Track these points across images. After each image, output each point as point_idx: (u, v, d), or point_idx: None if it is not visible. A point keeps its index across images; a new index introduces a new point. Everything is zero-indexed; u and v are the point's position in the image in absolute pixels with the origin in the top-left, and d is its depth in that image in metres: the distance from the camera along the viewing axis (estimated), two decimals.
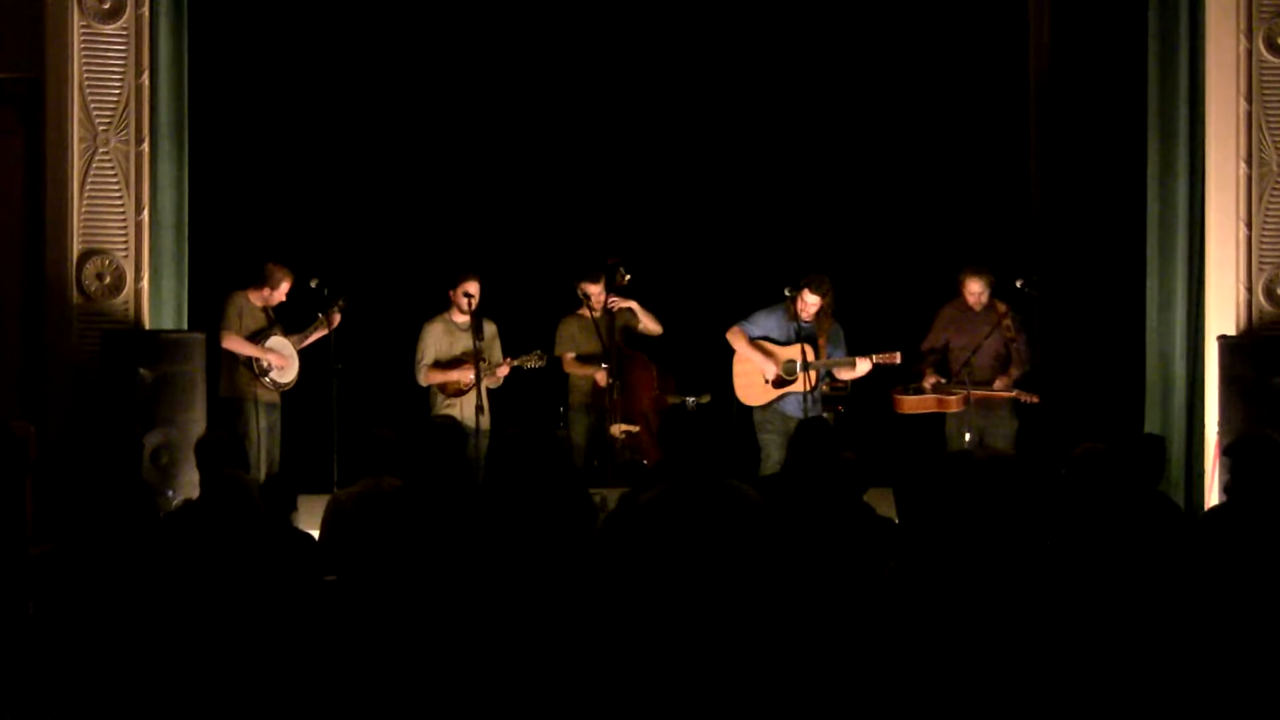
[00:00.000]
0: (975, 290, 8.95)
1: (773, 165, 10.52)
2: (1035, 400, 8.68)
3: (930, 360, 8.99)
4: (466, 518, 5.22)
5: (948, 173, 10.33)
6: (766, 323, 9.00)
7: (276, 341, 9.05)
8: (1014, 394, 8.78)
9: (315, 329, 9.15)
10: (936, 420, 9.00)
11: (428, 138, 10.37)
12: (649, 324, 9.27)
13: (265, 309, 9.12)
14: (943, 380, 8.89)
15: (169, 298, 8.68)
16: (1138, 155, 9.04)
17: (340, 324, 9.10)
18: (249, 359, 8.91)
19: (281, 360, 9.02)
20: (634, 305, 9.25)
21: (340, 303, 9.11)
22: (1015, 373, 8.88)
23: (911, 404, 8.91)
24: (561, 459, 6.20)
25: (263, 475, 8.31)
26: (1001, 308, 8.93)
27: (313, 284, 9.07)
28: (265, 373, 8.96)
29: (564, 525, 5.24)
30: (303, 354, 9.15)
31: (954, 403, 8.81)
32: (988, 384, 8.85)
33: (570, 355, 9.29)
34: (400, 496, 5.50)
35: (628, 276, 9.18)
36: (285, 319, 9.21)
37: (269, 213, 9.98)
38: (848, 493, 5.66)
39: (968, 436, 8.65)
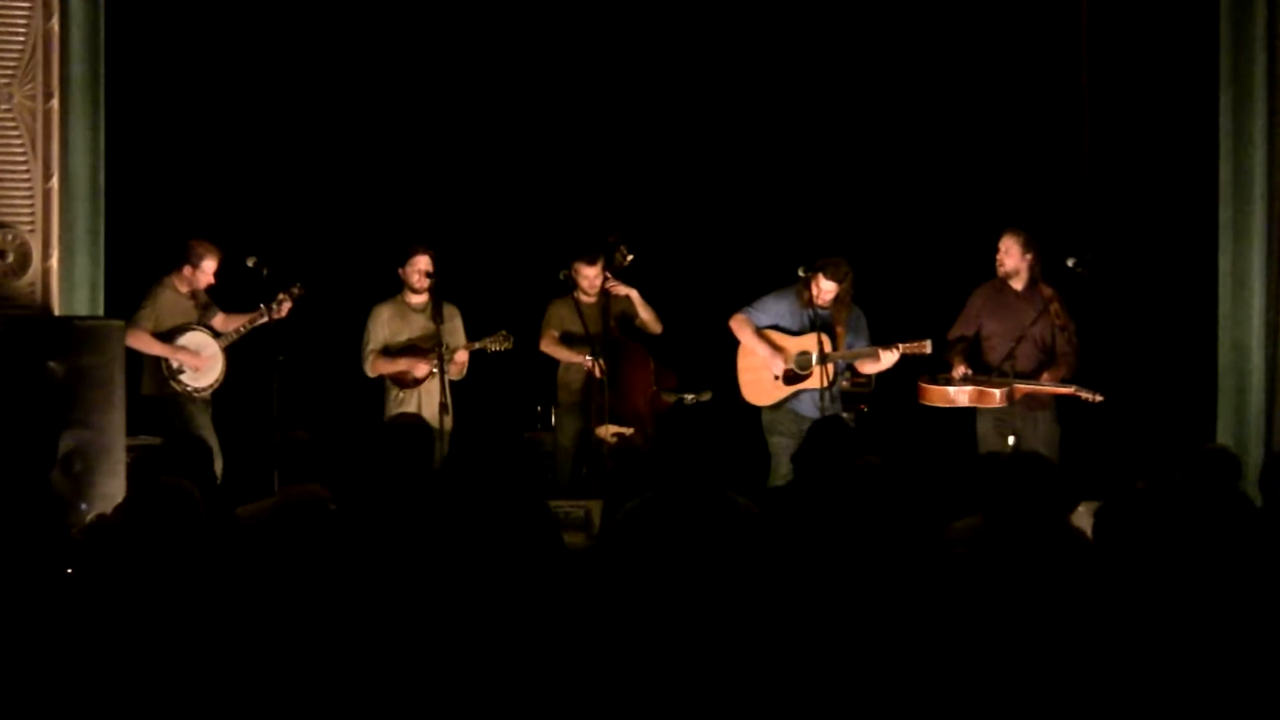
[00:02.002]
0: (1005, 248, 8.66)
1: (786, 131, 10.43)
2: (1099, 399, 8.41)
3: (960, 349, 8.75)
4: (402, 541, 5.13)
5: (985, 135, 10.18)
6: (776, 309, 8.87)
7: (193, 339, 8.98)
8: (1071, 390, 8.48)
9: (256, 318, 8.95)
10: (966, 419, 8.78)
11: (380, 92, 10.28)
12: (648, 319, 9.17)
13: (193, 294, 9.03)
14: (970, 371, 8.63)
15: (82, 279, 8.57)
16: (1207, 112, 8.89)
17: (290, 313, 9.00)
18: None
19: (196, 360, 8.95)
20: (635, 294, 9.14)
21: (296, 289, 8.98)
22: (1064, 368, 8.62)
23: (940, 395, 8.68)
24: (523, 468, 6.00)
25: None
26: (1048, 291, 8.71)
27: (249, 263, 8.91)
28: (175, 374, 8.89)
29: (515, 548, 5.14)
30: (237, 345, 9.04)
31: (997, 397, 8.55)
32: (1033, 377, 8.59)
33: (553, 333, 9.14)
34: (322, 513, 5.50)
35: (630, 257, 9.12)
36: (236, 305, 9.07)
37: (199, 181, 9.90)
38: (872, 503, 5.58)
39: (1011, 440, 8.45)
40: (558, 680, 4.74)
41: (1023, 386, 8.59)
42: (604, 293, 9.10)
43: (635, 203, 10.20)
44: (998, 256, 8.75)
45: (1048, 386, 8.64)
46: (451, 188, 10.40)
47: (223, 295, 9.16)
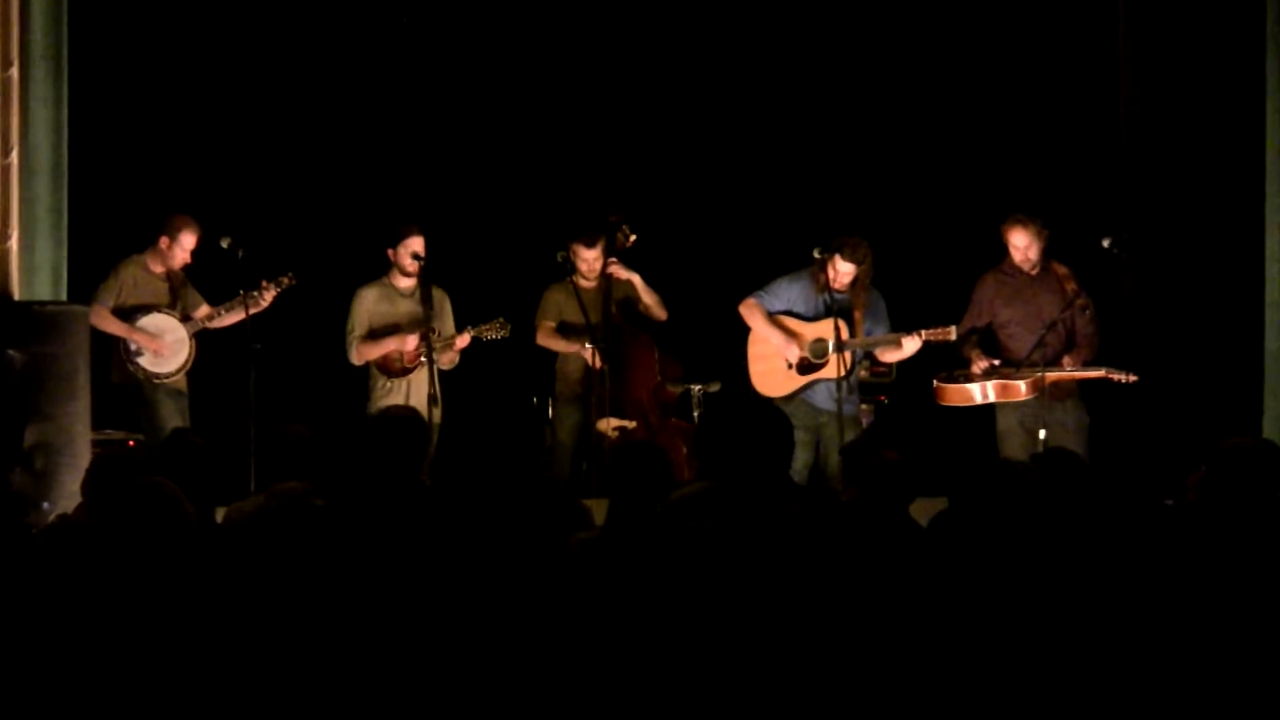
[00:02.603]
0: (1019, 244, 8.61)
1: (799, 102, 10.36)
2: (1133, 380, 8.36)
3: (974, 342, 8.68)
4: (396, 543, 5.10)
5: (1013, 105, 10.12)
6: (789, 293, 8.80)
7: (154, 321, 8.92)
8: (1101, 373, 8.41)
9: (234, 307, 8.89)
10: (984, 415, 8.73)
11: (364, 62, 10.24)
12: (652, 304, 9.12)
13: (169, 275, 8.95)
14: (996, 363, 8.56)
15: (44, 261, 8.54)
16: (1253, 75, 8.82)
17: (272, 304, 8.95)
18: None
19: (157, 344, 8.89)
20: (637, 279, 9.09)
21: (287, 279, 8.94)
22: (1088, 350, 8.57)
23: (961, 394, 8.62)
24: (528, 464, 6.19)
25: None
26: (1061, 270, 8.65)
27: (224, 244, 8.83)
28: (132, 357, 8.84)
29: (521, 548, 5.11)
30: (211, 332, 9.00)
31: (1022, 389, 8.50)
32: (1054, 363, 8.54)
33: (550, 324, 9.07)
34: (310, 513, 5.36)
35: (633, 237, 9.06)
36: (219, 292, 9.00)
37: (171, 157, 9.85)
38: (889, 504, 5.53)
39: (1043, 434, 8.37)
40: (563, 687, 4.67)
41: (1052, 375, 8.51)
42: (605, 276, 9.05)
43: (638, 179, 10.17)
44: (1015, 254, 8.64)
45: (1077, 372, 8.55)
46: (440, 162, 10.38)
47: (195, 280, 9.13)
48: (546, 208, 9.96)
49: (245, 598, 5.08)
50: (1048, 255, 8.66)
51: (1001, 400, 8.61)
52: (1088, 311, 8.61)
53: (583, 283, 9.02)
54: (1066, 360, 8.53)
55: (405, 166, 10.29)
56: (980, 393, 8.62)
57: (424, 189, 10.14)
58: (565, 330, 9.05)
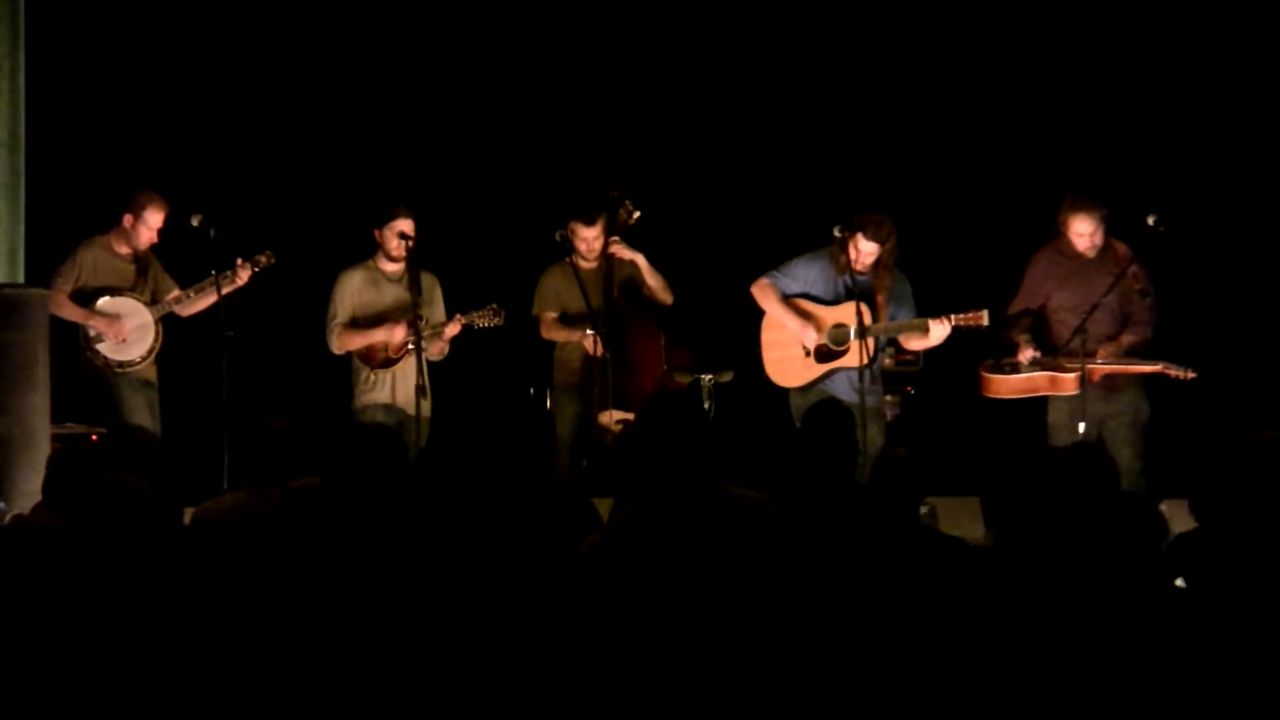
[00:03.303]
0: (1084, 231, 8.55)
1: (818, 66, 10.29)
2: (1191, 377, 8.40)
3: (1024, 326, 8.67)
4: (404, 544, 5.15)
5: (1049, 70, 10.08)
6: (807, 274, 8.74)
7: (114, 304, 8.86)
8: (1158, 367, 8.46)
9: (205, 289, 8.83)
10: (1033, 408, 8.72)
11: (348, 28, 10.21)
12: (657, 288, 9.09)
13: (135, 257, 8.89)
14: (1039, 353, 8.55)
15: (0, 241, 8.82)
16: None
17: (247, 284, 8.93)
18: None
19: (116, 329, 8.83)
20: (641, 260, 9.04)
21: (264, 258, 8.89)
22: (1137, 338, 8.59)
23: (1008, 385, 8.62)
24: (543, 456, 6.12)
25: None
26: (1121, 249, 8.60)
27: (194, 222, 8.76)
28: (91, 344, 8.80)
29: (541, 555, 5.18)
30: (182, 318, 8.97)
31: (1069, 382, 8.50)
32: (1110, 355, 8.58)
33: (551, 315, 9.03)
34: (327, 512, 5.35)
35: (636, 214, 9.00)
36: (189, 275, 8.95)
37: (137, 129, 9.83)
38: (897, 504, 5.56)
39: (1082, 427, 8.35)
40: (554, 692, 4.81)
41: (1100, 367, 8.51)
42: (606, 257, 9.01)
43: (642, 151, 10.13)
44: (1077, 241, 8.63)
45: (1130, 365, 8.55)
46: (430, 135, 10.35)
47: (163, 262, 9.10)
48: (544, 183, 9.94)
49: (230, 603, 5.18)
50: (1108, 235, 8.64)
51: (1049, 393, 8.63)
52: (1148, 297, 8.60)
53: (582, 264, 8.93)
54: (1105, 347, 8.54)
55: (392, 139, 10.24)
56: (1028, 384, 8.61)
57: (412, 164, 10.12)
58: (565, 318, 9.00)
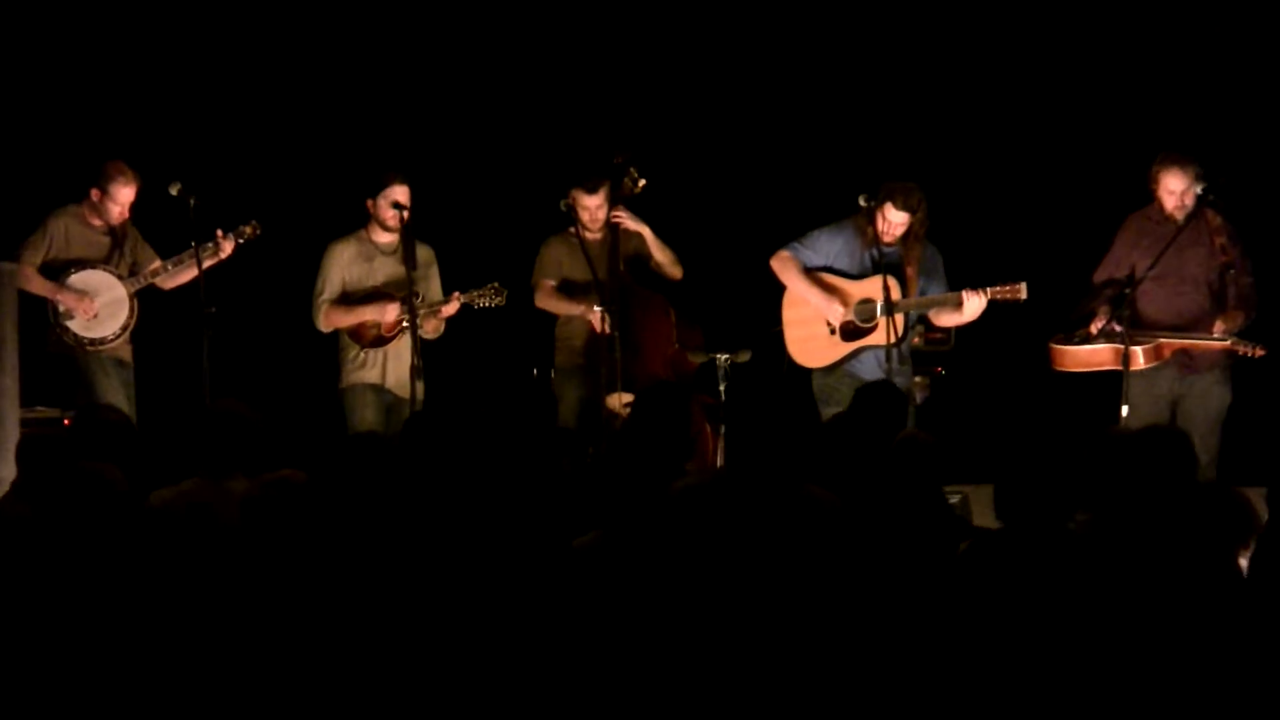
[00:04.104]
0: (1174, 188, 8.43)
1: (836, 20, 10.22)
2: (1260, 354, 8.35)
3: (1106, 296, 8.56)
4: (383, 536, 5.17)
5: (1099, 17, 9.97)
6: (830, 246, 8.69)
7: (84, 279, 8.80)
8: (1227, 344, 8.38)
9: (183, 262, 8.83)
10: (1101, 386, 8.62)
11: None
12: (665, 262, 9.06)
13: (111, 230, 8.85)
14: (1113, 325, 8.48)
15: None
16: None
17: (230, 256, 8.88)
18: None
19: (86, 305, 8.78)
20: (647, 232, 8.99)
21: (250, 228, 8.85)
22: (1238, 317, 8.48)
23: (1072, 357, 8.55)
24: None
25: None
26: (1215, 220, 8.51)
27: (173, 190, 8.66)
28: (60, 321, 8.75)
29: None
30: (159, 293, 8.92)
31: (1140, 357, 8.44)
32: (1192, 329, 8.47)
33: (549, 283, 8.97)
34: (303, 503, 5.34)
35: (642, 181, 8.94)
36: (168, 247, 8.91)
37: (112, 87, 9.82)
38: (919, 491, 5.62)
39: (1125, 410, 8.30)
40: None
41: (1174, 341, 8.43)
42: (610, 227, 8.98)
43: (648, 112, 10.09)
44: (1166, 200, 8.57)
45: (1197, 340, 8.48)
46: (426, 96, 10.31)
47: (142, 230, 9.08)
48: (549, 148, 9.88)
49: (185, 594, 5.23)
50: (1202, 202, 8.56)
51: (1117, 368, 8.54)
52: (1236, 271, 8.55)
53: (587, 235, 8.88)
54: (1217, 326, 8.44)
55: (386, 102, 10.21)
56: (1094, 358, 8.55)
57: (408, 128, 10.09)
58: (568, 290, 8.92)
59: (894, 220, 8.48)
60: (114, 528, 5.20)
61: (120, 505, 5.25)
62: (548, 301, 9.00)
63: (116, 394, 8.78)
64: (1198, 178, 8.53)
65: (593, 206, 8.89)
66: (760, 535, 5.01)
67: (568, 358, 9.03)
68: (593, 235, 8.93)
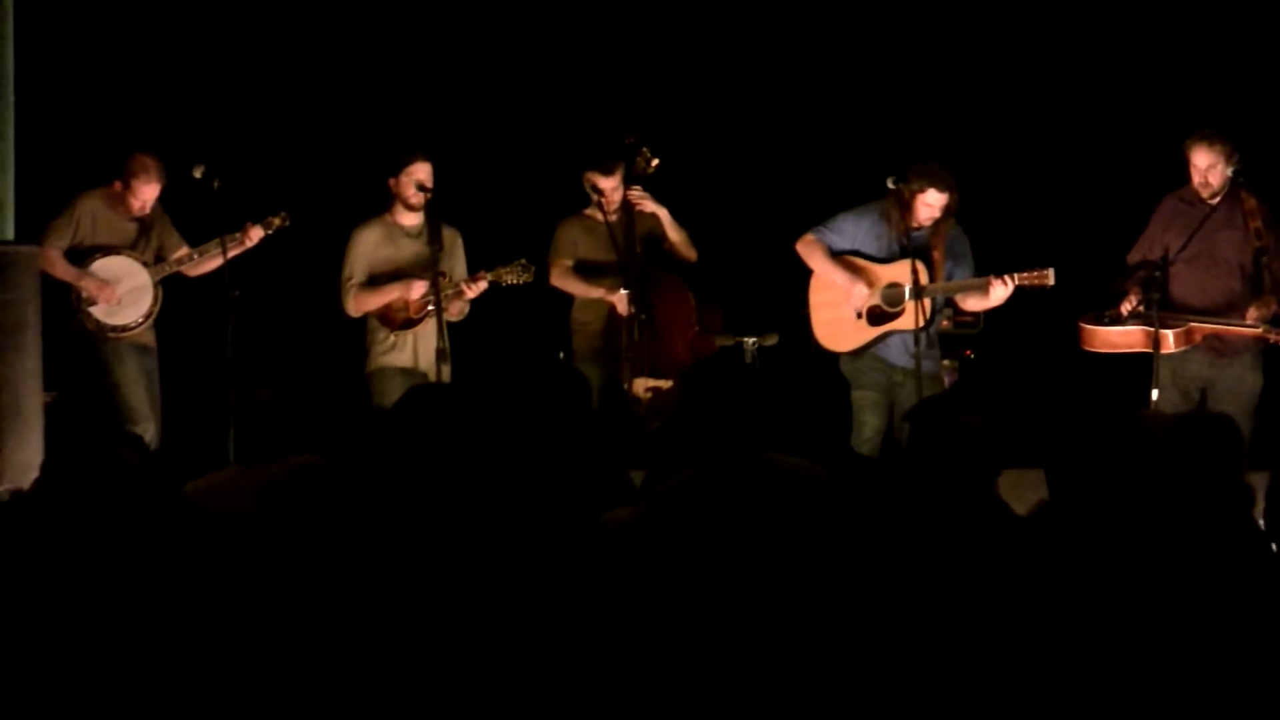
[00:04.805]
0: (1201, 164, 8.39)
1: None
2: None
3: (1138, 277, 8.48)
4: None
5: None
6: (856, 230, 8.64)
7: (108, 265, 8.80)
8: (1258, 330, 8.31)
9: (209, 250, 8.85)
10: (1131, 368, 8.58)
11: None
12: (680, 244, 9.03)
13: (140, 219, 8.84)
14: (1141, 306, 8.45)
15: None
16: None
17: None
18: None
19: (109, 292, 8.77)
20: (662, 212, 8.96)
21: (279, 219, 8.88)
22: (1272, 304, 8.40)
23: (1101, 338, 8.51)
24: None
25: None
26: (1250, 202, 8.40)
27: (197, 174, 8.72)
28: (83, 307, 8.74)
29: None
30: (183, 279, 8.94)
31: (1170, 340, 8.40)
32: (1224, 313, 8.42)
33: (565, 261, 8.94)
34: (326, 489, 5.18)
35: (655, 162, 8.86)
36: (191, 232, 8.91)
37: (137, 70, 9.82)
38: (971, 477, 5.53)
39: (1155, 394, 8.30)
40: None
41: (1204, 325, 8.38)
42: (625, 208, 8.94)
43: (662, 90, 10.07)
44: (1195, 178, 8.53)
45: (1236, 326, 8.41)
46: (448, 76, 10.29)
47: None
48: (572, 130, 9.79)
49: (221, 585, 5.15)
50: (1236, 183, 8.48)
51: (1148, 351, 8.50)
52: (1268, 254, 8.48)
53: (607, 217, 8.92)
54: (1251, 312, 8.38)
55: (408, 81, 10.19)
56: (1123, 339, 8.51)
57: (430, 108, 10.07)
58: (585, 271, 8.92)
59: (933, 204, 8.47)
60: (129, 510, 5.18)
61: (135, 488, 5.22)
62: (564, 281, 8.99)
63: (135, 382, 8.80)
64: (1229, 157, 8.48)
65: (609, 188, 8.89)
66: (732, 514, 4.96)
67: (585, 342, 9.03)
68: (612, 218, 8.95)
